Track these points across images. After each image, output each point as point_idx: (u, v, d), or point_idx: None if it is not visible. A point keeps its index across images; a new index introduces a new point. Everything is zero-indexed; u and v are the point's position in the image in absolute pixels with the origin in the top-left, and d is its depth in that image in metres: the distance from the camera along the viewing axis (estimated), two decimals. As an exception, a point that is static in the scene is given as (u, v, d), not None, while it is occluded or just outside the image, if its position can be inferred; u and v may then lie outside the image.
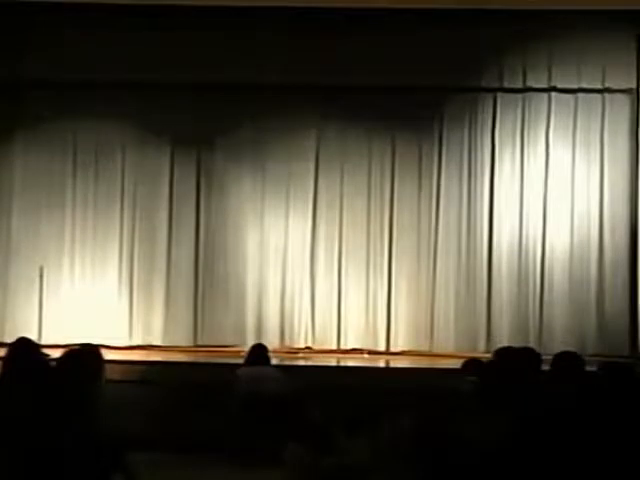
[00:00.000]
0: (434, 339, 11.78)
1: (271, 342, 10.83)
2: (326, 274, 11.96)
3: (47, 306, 11.35)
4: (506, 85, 11.81)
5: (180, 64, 11.37)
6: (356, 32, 11.31)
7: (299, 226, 12.00)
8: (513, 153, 11.88)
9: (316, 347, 11.80)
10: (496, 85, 11.85)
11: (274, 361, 9.38)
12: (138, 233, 12.01)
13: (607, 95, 11.78)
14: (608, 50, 11.55)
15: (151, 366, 10.14)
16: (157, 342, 11.81)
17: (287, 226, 12.00)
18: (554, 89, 11.80)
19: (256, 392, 8.64)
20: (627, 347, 11.32)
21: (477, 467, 4.32)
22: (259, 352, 9.07)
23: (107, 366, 4.81)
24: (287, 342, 11.83)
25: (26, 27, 11.46)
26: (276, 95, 11.72)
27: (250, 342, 10.32)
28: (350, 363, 11.03)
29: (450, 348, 11.58)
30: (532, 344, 10.56)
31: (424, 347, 11.73)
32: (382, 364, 11.03)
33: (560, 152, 11.81)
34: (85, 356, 4.76)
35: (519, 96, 11.90)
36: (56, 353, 4.96)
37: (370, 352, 11.66)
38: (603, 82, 11.66)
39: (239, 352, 10.21)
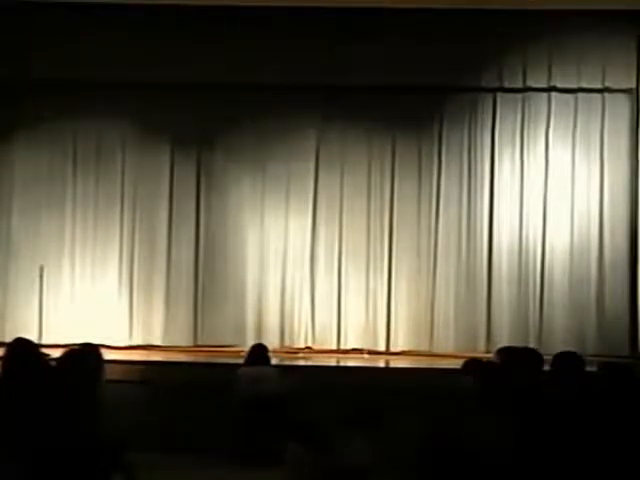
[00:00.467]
0: (434, 339, 11.78)
1: (271, 342, 10.82)
2: (326, 274, 11.96)
3: (47, 306, 11.38)
4: (506, 85, 11.81)
5: (180, 64, 11.36)
6: (356, 32, 11.32)
7: (299, 226, 12.00)
8: (513, 153, 11.88)
9: (316, 347, 11.80)
10: (496, 85, 11.84)
11: (274, 361, 9.40)
12: (138, 233, 12.01)
13: (607, 95, 11.78)
14: (608, 50, 11.56)
15: (151, 366, 10.13)
16: (157, 342, 11.82)
17: (287, 226, 12.00)
18: (554, 89, 11.80)
19: (256, 392, 8.65)
20: (627, 347, 11.33)
21: (477, 467, 4.32)
22: (259, 352, 9.08)
23: (107, 366, 4.81)
24: (287, 342, 11.83)
25: (26, 27, 11.47)
26: (276, 95, 11.72)
27: (250, 342, 10.31)
28: (350, 363, 11.01)
29: (450, 348, 11.58)
30: (532, 344, 10.64)
31: (424, 347, 11.74)
32: (382, 364, 11.02)
33: (560, 152, 11.81)
34: (85, 356, 4.77)
35: (519, 96, 11.90)
36: (56, 353, 4.97)
37: (370, 352, 11.65)
38: (603, 82, 11.67)
39: (239, 352, 10.21)
